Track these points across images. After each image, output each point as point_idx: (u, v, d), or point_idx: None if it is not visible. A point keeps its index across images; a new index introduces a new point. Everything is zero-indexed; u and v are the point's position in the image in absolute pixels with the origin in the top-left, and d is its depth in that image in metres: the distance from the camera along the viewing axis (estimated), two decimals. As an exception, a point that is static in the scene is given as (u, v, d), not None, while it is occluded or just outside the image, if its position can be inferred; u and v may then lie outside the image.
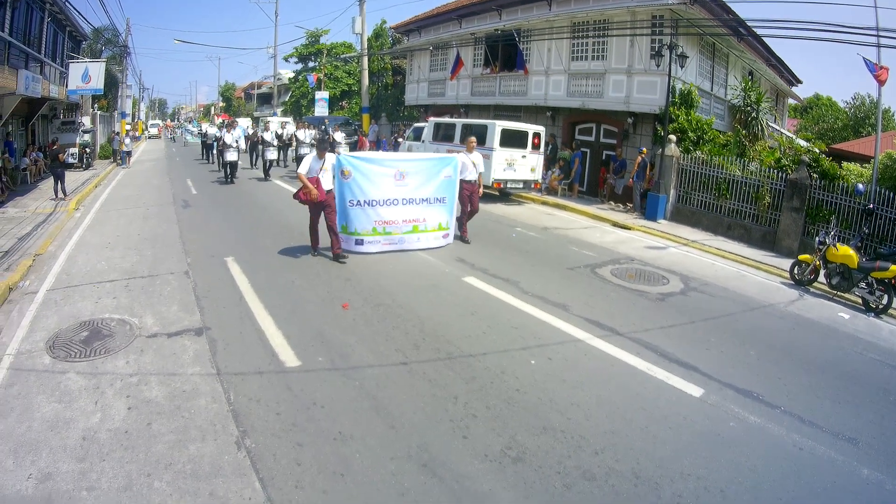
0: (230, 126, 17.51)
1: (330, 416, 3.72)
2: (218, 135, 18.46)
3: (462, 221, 9.00)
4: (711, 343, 5.51)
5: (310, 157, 7.37)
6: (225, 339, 4.91)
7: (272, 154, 17.10)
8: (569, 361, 4.79)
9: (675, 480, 3.23)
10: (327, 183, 7.44)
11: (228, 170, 15.76)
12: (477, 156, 9.05)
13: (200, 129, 26.40)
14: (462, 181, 8.72)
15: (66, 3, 17.70)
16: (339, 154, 7.82)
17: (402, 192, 8.03)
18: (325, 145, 7.58)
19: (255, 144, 19.15)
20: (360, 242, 7.87)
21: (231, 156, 15.41)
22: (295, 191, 7.47)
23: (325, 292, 6.24)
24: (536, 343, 5.13)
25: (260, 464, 3.17)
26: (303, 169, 7.24)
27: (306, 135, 17.31)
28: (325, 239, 7.74)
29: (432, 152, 12.66)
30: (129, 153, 21.65)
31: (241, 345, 4.82)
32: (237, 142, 16.04)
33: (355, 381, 4.21)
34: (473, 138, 9.29)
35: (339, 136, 17.82)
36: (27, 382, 4.09)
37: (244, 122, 29.98)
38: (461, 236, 9.01)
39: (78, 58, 20.81)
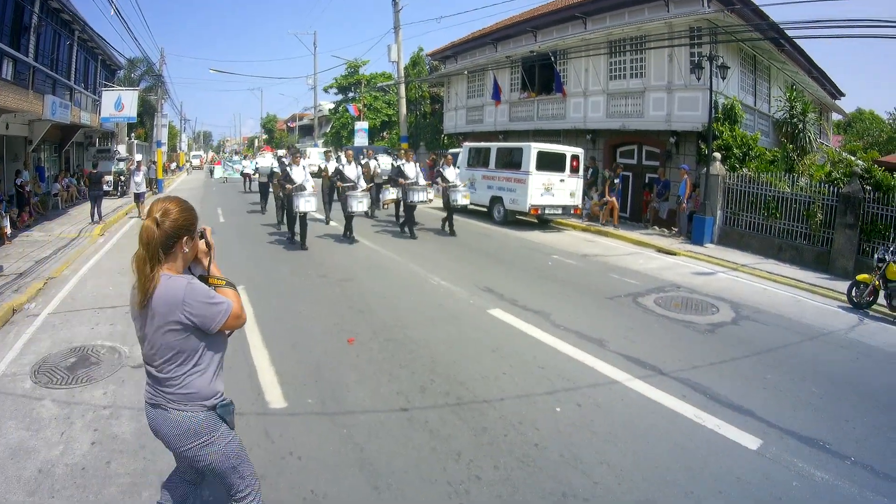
0: (295, 155, 10.69)
1: (305, 469, 3.21)
2: (275, 168, 12.53)
3: None
4: (768, 381, 4.81)
5: None
6: (213, 373, 4.52)
7: (359, 205, 10.18)
8: (602, 408, 4.14)
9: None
10: None
11: (298, 227, 9.87)
12: None
13: (252, 163, 18.57)
14: None
15: (87, 27, 16.60)
16: None
17: None
18: None
19: (331, 186, 11.96)
20: None
21: (307, 204, 9.47)
22: None
23: (333, 324, 5.82)
24: (565, 386, 4.51)
25: (211, 525, 2.69)
26: None
27: (415, 169, 11.37)
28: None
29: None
30: (140, 196, 14.46)
31: (226, 381, 4.40)
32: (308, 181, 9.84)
33: (343, 429, 3.70)
34: None
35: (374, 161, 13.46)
36: (2, 406, 3.89)
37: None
38: None
39: (111, 86, 20.98)
